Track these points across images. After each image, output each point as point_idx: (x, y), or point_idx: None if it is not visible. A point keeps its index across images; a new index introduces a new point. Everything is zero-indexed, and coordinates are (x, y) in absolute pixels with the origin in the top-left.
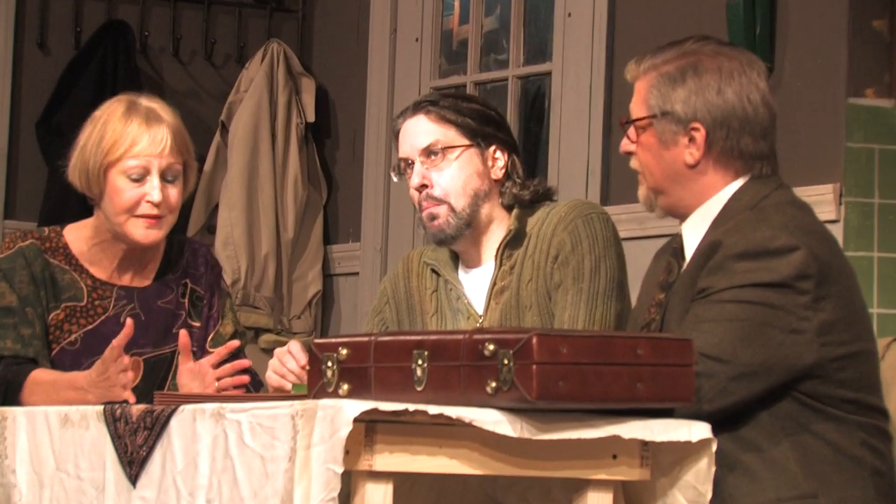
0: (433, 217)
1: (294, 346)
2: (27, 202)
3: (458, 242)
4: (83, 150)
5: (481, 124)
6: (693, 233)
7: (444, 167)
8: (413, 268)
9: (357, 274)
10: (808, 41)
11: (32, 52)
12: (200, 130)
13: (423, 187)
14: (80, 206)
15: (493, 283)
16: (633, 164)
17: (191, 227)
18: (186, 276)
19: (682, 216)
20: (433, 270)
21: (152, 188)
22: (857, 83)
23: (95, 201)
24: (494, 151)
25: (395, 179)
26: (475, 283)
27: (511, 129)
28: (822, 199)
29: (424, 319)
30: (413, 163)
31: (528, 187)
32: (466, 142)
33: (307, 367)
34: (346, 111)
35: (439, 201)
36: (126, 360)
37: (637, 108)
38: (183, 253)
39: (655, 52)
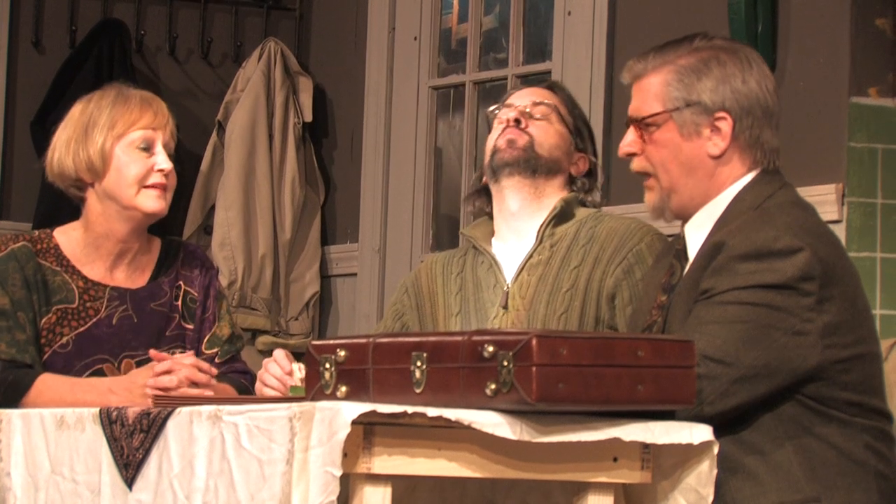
0: (512, 142)
1: (278, 353)
2: (21, 203)
3: (513, 177)
4: (76, 136)
5: (582, 130)
6: (696, 234)
7: (544, 124)
8: (438, 259)
9: (355, 275)
10: (811, 40)
11: (27, 50)
12: (197, 130)
13: (518, 122)
14: (75, 206)
15: (530, 256)
16: (637, 166)
17: (187, 228)
18: (180, 279)
19: (691, 216)
20: (468, 250)
21: (161, 157)
22: (860, 82)
23: (94, 185)
24: (580, 157)
25: (489, 119)
26: (509, 254)
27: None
28: (824, 200)
29: (447, 300)
30: (518, 108)
31: (592, 193)
32: (567, 129)
33: (291, 373)
34: (343, 111)
35: (526, 134)
36: (156, 368)
37: (647, 106)
38: (178, 255)
39: (659, 50)
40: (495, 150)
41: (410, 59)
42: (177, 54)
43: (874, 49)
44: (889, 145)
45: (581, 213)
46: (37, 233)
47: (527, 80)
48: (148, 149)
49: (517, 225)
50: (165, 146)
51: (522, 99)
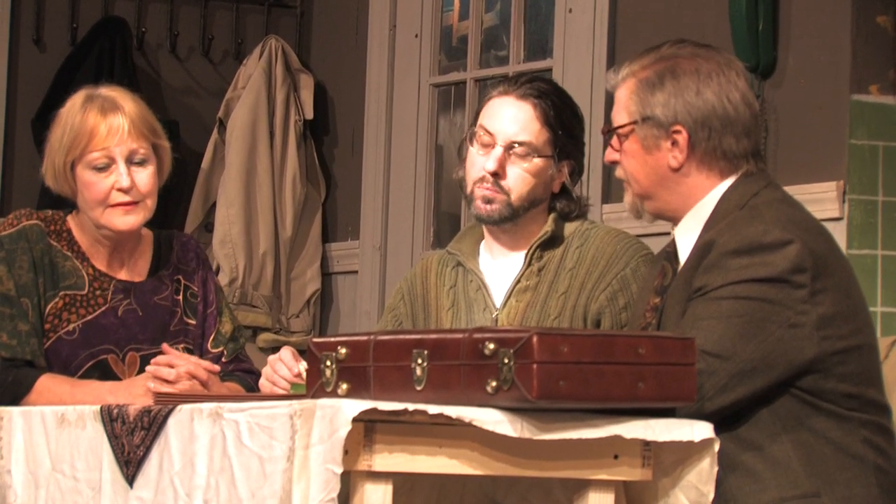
0: (489, 201)
1: (286, 353)
2: (23, 199)
3: (497, 229)
4: (50, 152)
5: (569, 138)
6: (686, 236)
7: (521, 166)
8: (432, 266)
9: (356, 272)
10: (812, 37)
11: (28, 48)
12: (198, 128)
13: (495, 174)
14: (74, 204)
15: (517, 281)
16: (619, 173)
17: (188, 225)
18: (179, 273)
19: (672, 219)
20: (458, 263)
21: (119, 175)
22: (861, 80)
23: (73, 201)
24: (564, 167)
25: (467, 144)
26: (497, 275)
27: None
28: (825, 197)
29: (440, 315)
30: (494, 145)
31: (575, 202)
32: (550, 153)
33: (300, 375)
34: (344, 108)
35: (502, 192)
36: (155, 371)
37: (618, 116)
38: (172, 247)
39: (633, 59)
40: (472, 200)
41: (411, 57)
42: (178, 52)
43: (875, 46)
44: (890, 142)
45: (568, 229)
46: (50, 213)
47: (512, 79)
48: (106, 168)
49: (506, 241)
50: (131, 156)
51: (504, 124)
